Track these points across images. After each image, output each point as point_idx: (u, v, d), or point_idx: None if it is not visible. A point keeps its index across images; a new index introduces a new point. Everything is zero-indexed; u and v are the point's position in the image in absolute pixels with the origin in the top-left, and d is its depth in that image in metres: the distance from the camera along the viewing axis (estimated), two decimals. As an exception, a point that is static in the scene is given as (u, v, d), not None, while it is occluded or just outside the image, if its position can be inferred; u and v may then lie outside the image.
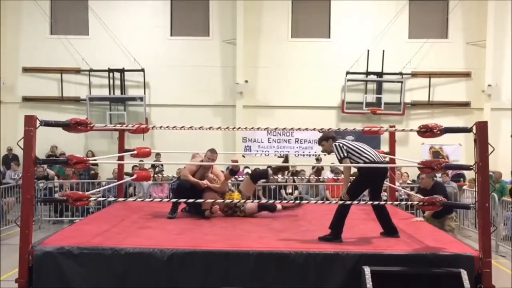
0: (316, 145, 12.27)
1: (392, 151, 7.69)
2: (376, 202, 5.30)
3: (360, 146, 5.32)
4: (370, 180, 5.37)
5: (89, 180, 12.24)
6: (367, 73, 15.52)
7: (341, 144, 5.28)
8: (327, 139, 5.50)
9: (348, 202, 5.15)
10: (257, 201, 6.84)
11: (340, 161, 5.30)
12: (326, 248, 4.73)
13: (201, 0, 15.93)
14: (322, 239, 5.08)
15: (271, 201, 6.27)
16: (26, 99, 15.84)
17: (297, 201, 6.93)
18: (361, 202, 5.40)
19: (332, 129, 6.10)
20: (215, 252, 4.66)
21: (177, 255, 4.58)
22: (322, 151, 5.78)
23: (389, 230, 5.37)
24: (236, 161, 7.77)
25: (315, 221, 6.30)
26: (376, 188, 5.53)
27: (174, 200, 5.97)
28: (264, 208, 6.65)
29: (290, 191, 12.44)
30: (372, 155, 5.27)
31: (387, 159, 7.37)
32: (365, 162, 5.21)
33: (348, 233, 5.20)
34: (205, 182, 6.59)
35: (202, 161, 6.74)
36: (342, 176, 5.97)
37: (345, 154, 5.21)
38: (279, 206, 6.75)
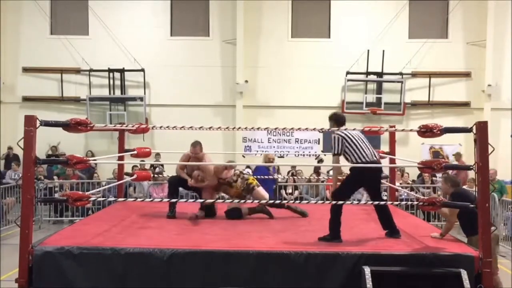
0: (316, 145, 12.30)
1: (392, 151, 7.69)
2: (375, 202, 5.27)
3: (359, 143, 5.21)
4: (360, 180, 5.32)
5: (89, 180, 12.23)
6: (367, 73, 15.52)
7: (339, 138, 5.20)
8: (331, 119, 5.51)
9: (340, 202, 5.11)
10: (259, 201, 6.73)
11: (332, 155, 5.26)
12: (326, 248, 4.73)
13: (201, 0, 15.94)
14: (322, 239, 5.08)
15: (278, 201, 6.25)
16: (26, 99, 15.84)
17: (304, 210, 6.79)
18: (362, 202, 5.37)
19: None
20: (215, 252, 4.65)
21: (177, 255, 4.57)
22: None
23: (391, 230, 5.34)
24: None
25: (315, 221, 6.29)
26: (370, 189, 5.48)
27: (174, 200, 5.98)
28: (272, 205, 6.61)
29: (290, 191, 12.44)
30: (366, 155, 5.18)
31: (385, 160, 7.33)
32: (356, 161, 5.15)
33: (348, 233, 5.19)
34: (192, 182, 6.53)
35: (190, 157, 6.57)
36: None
37: (338, 150, 5.17)
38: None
